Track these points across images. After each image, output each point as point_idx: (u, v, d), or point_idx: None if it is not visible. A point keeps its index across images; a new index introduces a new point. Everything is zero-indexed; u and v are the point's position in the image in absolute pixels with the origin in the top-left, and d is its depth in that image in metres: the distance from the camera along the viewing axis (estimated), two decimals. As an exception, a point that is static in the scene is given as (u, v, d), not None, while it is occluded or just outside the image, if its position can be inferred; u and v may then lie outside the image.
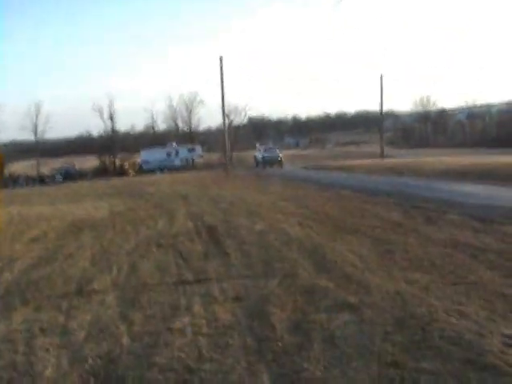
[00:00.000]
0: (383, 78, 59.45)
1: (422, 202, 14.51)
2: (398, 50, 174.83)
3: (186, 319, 5.72)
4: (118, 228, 13.24)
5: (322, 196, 18.34)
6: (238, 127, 77.67)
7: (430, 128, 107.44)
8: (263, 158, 50.97)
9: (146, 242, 10.99)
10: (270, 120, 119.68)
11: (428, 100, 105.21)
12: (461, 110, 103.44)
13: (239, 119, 78.70)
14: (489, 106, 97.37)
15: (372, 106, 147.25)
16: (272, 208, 15.22)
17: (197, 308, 6.10)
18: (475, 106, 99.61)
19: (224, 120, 51.77)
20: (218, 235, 10.99)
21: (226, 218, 13.39)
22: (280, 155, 51.17)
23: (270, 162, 50.07)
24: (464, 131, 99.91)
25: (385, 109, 71.72)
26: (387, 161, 45.68)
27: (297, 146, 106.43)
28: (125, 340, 5.22)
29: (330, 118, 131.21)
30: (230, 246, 9.68)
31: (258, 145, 61.98)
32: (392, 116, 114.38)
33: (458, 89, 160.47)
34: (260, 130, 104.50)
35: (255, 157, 54.53)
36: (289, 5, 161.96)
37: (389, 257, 8.08)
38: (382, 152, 59.55)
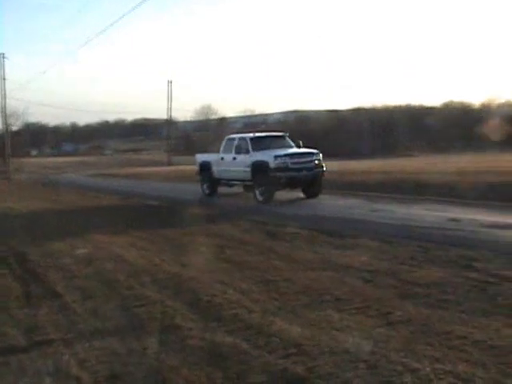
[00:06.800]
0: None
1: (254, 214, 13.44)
2: (180, 59, 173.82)
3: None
4: None
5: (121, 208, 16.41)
6: (16, 133, 70.05)
7: (211, 136, 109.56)
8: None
9: None
10: (47, 126, 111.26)
11: (209, 108, 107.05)
12: (239, 119, 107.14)
13: (19, 124, 70.98)
14: (266, 116, 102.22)
15: (151, 113, 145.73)
16: (83, 223, 12.77)
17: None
18: (253, 115, 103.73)
19: (6, 123, 47.43)
20: (33, 265, 8.38)
21: (34, 240, 10.58)
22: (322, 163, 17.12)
23: (297, 178, 16.47)
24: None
25: (165, 117, 72.06)
26: (177, 168, 44.54)
27: (75, 152, 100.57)
28: None
29: (109, 124, 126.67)
30: (57, 282, 7.25)
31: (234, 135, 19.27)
32: (173, 124, 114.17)
33: (238, 98, 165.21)
34: (37, 136, 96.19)
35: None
36: None
37: (274, 289, 6.49)
38: (170, 159, 58.70)
